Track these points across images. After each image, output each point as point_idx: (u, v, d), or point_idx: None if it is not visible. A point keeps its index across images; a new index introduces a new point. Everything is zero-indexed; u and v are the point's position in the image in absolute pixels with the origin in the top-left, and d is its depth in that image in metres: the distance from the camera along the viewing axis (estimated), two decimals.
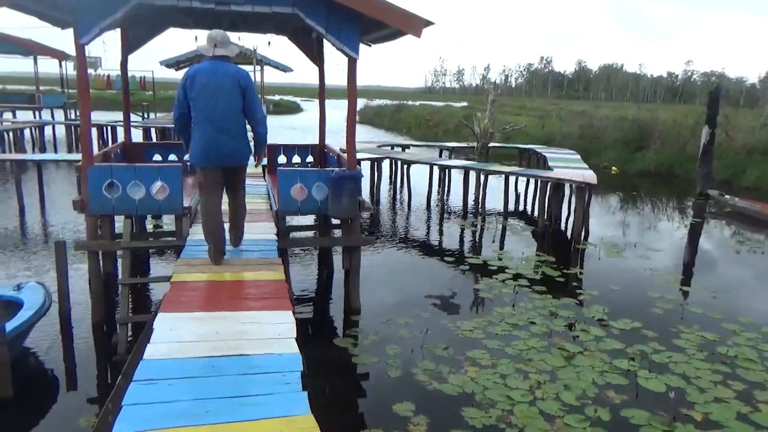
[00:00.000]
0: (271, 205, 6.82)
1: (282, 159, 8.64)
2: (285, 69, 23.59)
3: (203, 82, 4.43)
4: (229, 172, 4.79)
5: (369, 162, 12.76)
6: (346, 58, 5.94)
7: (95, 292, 5.73)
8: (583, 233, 9.92)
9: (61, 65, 25.31)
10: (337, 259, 7.68)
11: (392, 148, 15.99)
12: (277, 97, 64.70)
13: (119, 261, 6.09)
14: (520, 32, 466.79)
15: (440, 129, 31.25)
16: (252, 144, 4.89)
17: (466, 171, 12.10)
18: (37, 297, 5.25)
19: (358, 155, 13.20)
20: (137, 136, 21.13)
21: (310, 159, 8.71)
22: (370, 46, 7.20)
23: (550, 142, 22.94)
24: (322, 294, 7.28)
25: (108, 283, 6.16)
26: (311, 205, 6.14)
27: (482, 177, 11.75)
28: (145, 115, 25.05)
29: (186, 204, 5.84)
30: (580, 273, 8.28)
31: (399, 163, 13.58)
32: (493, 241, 10.15)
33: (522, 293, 7.26)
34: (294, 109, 56.57)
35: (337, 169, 6.07)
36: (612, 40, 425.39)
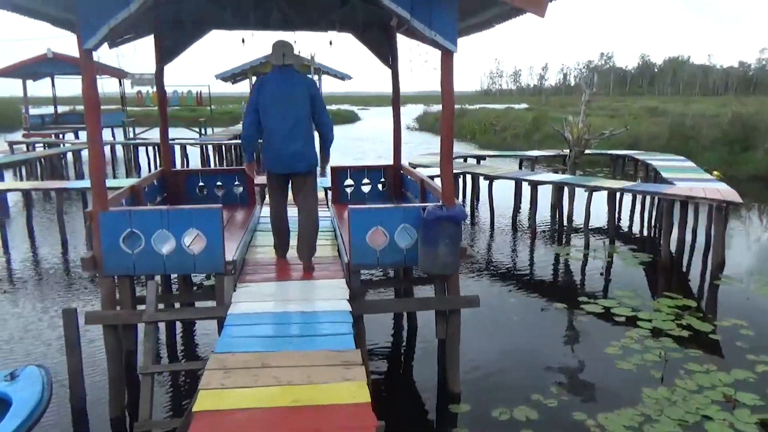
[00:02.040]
0: (339, 249, 5.27)
1: (349, 184, 7.10)
2: (344, 77, 22.33)
3: (273, 91, 4.56)
4: (297, 179, 4.81)
5: None
6: (438, 52, 4.33)
7: (113, 378, 4.32)
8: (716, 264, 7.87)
9: (120, 84, 25.04)
10: (423, 315, 6.06)
11: (465, 160, 14.26)
12: (334, 107, 64.11)
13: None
14: (578, 29, 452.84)
15: (508, 134, 29.12)
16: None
17: (561, 187, 10.21)
18: (32, 392, 3.87)
19: (428, 170, 11.56)
20: (194, 154, 20.39)
21: (382, 184, 7.13)
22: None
23: (636, 145, 20.55)
24: (402, 364, 5.65)
25: (131, 363, 4.76)
26: (394, 256, 4.54)
27: (585, 194, 9.79)
28: (203, 131, 24.39)
29: (229, 257, 4.37)
30: (743, 327, 6.26)
31: (479, 179, 11.82)
32: (602, 274, 8.27)
33: (673, 361, 5.37)
34: (351, 118, 55.57)
35: (428, 205, 4.44)
36: (677, 30, 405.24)
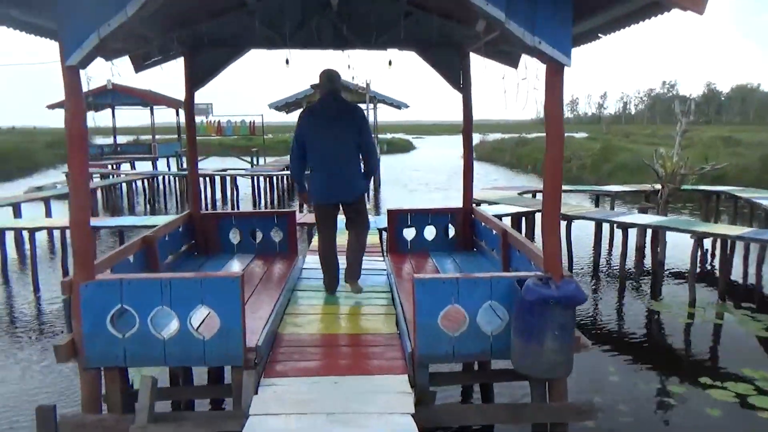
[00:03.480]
0: (397, 321, 4.06)
1: (409, 231, 5.91)
2: (400, 105, 21.43)
3: (320, 120, 4.47)
4: (347, 207, 4.74)
5: (521, 218, 9.72)
6: (543, 66, 3.12)
7: None
8: None
9: (177, 114, 25.07)
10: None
11: (534, 196, 12.83)
12: (389, 136, 63.69)
13: None
14: (638, 56, 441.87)
15: (573, 164, 27.32)
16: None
17: (655, 231, 8.65)
18: None
19: (495, 209, 10.24)
20: (245, 186, 19.84)
21: (450, 231, 5.91)
22: None
23: (722, 179, 18.49)
24: None
25: None
26: (476, 345, 3.27)
27: (687, 240, 8.20)
28: (255, 161, 23.95)
29: (252, 342, 3.23)
30: None
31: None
32: (716, 341, 6.70)
33: None
34: (406, 147, 54.82)
35: (526, 275, 3.19)
36: (745, 59, 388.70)
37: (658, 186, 10.25)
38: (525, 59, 5.37)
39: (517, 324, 3.05)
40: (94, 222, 9.73)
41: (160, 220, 9.26)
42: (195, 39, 5.16)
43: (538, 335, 2.91)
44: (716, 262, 9.61)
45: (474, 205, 5.93)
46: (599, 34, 3.44)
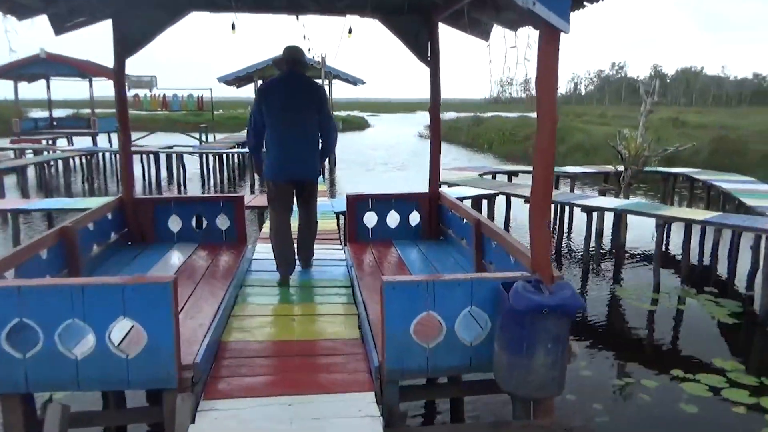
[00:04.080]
0: (360, 325, 3.59)
1: (371, 218, 5.41)
2: (356, 82, 20.74)
3: (279, 95, 4.33)
4: (301, 186, 4.59)
5: (482, 200, 9.35)
6: (534, 34, 2.66)
7: None
8: None
9: None
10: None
11: (493, 177, 12.53)
12: (343, 113, 62.62)
13: None
14: (589, 39, 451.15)
15: (529, 144, 27.34)
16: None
17: (619, 215, 8.45)
18: None
19: (457, 191, 9.86)
20: (193, 163, 18.79)
21: (415, 218, 5.43)
22: None
23: (674, 160, 18.77)
24: None
25: None
26: (455, 358, 2.83)
27: (652, 223, 8.04)
28: (204, 138, 22.82)
29: (188, 359, 2.69)
30: None
31: (515, 201, 10.06)
32: (679, 327, 6.58)
33: None
34: (361, 125, 53.98)
35: (515, 276, 2.76)
36: (689, 43, 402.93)
37: (621, 168, 10.09)
38: (498, 31, 4.95)
39: (503, 335, 2.61)
40: (20, 204, 8.80)
41: (97, 202, 8.45)
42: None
43: (528, 349, 2.49)
44: (672, 246, 9.60)
45: (440, 189, 5.47)
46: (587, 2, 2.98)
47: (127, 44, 4.68)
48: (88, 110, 28.78)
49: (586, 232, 8.57)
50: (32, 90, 26.31)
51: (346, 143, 30.47)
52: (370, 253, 4.99)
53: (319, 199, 5.14)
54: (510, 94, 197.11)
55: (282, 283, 4.46)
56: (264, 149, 4.49)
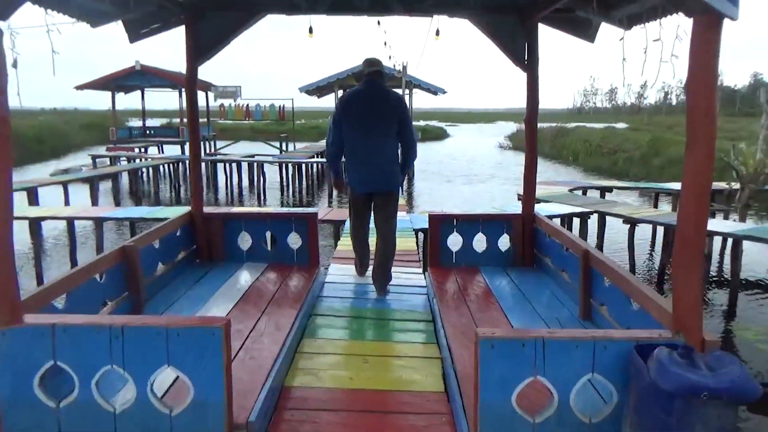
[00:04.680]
0: (444, 374, 3.05)
1: (455, 240, 4.84)
2: (437, 91, 20.24)
3: (359, 106, 4.28)
4: (379, 199, 4.44)
5: (573, 219, 8.55)
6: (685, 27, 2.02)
7: None
8: None
9: (207, 97, 24.39)
10: None
11: (584, 193, 11.58)
12: (422, 123, 62.32)
13: None
14: (681, 44, 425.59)
15: (619, 157, 25.66)
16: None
17: (738, 241, 7.36)
18: None
19: (545, 206, 9.08)
20: (273, 172, 18.96)
21: (505, 242, 4.81)
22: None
23: None
24: None
25: None
26: None
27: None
28: (284, 147, 23.10)
29: (241, 415, 2.26)
30: None
31: (609, 221, 9.12)
32: None
33: None
34: (440, 135, 53.39)
35: (653, 336, 2.12)
36: None
37: (736, 185, 8.92)
38: (604, 29, 4.27)
39: (639, 418, 1.98)
40: (99, 212, 8.95)
41: (174, 212, 8.42)
42: (196, 5, 4.19)
43: None
44: None
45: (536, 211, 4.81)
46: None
47: (200, 50, 4.42)
48: (178, 120, 30.13)
49: None
50: (129, 100, 27.84)
51: (424, 154, 30.00)
52: (453, 281, 4.43)
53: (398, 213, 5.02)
54: (594, 104, 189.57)
55: (360, 275, 4.69)
56: (344, 160, 4.44)
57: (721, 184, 12.01)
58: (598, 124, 55.07)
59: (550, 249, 4.39)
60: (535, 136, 4.58)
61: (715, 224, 7.71)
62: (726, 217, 10.01)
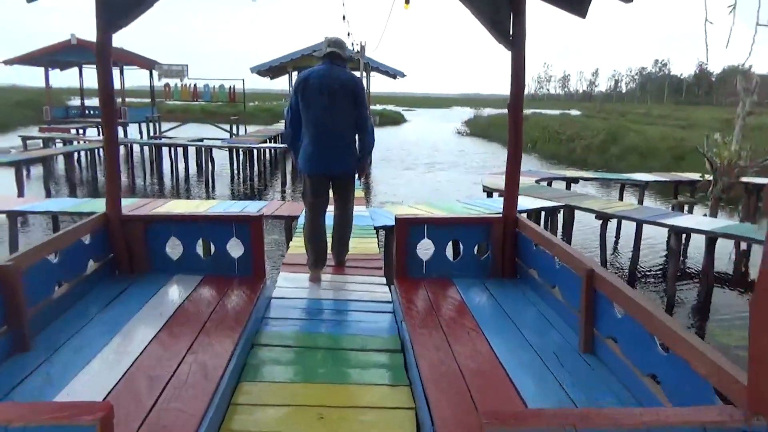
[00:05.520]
0: (419, 422, 2.39)
1: (425, 246, 4.16)
2: (396, 74, 19.47)
3: (315, 87, 4.18)
4: (336, 181, 4.49)
5: (540, 214, 8.02)
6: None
7: None
8: None
9: (151, 76, 22.86)
10: None
11: (549, 184, 11.12)
12: (379, 107, 61.46)
13: None
14: (631, 34, 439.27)
15: (577, 145, 25.63)
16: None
17: (713, 239, 6.99)
18: None
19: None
20: (222, 158, 17.81)
21: (483, 250, 4.16)
22: None
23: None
24: None
25: None
26: None
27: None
28: (234, 131, 21.90)
29: None
30: None
31: (578, 216, 8.66)
32: None
33: None
34: (397, 120, 52.68)
35: (715, 419, 1.50)
36: (738, 39, 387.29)
37: (709, 177, 8.59)
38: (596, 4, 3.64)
39: None
40: (11, 204, 7.85)
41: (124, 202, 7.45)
42: None
43: None
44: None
45: (520, 213, 4.17)
46: None
47: (113, 14, 3.55)
48: (128, 99, 28.27)
49: (674, 257, 7.14)
50: (72, 78, 25.88)
51: (384, 139, 29.28)
52: (424, 297, 3.75)
53: (355, 207, 4.91)
54: (548, 90, 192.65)
55: (312, 280, 4.35)
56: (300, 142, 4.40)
57: (688, 175, 11.82)
58: (552, 111, 55.56)
59: (537, 260, 3.77)
60: (520, 128, 3.92)
61: (703, 222, 7.26)
62: (690, 210, 9.72)
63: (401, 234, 4.01)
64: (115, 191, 3.85)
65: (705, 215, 8.77)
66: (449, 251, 4.21)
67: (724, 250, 8.33)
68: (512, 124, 3.92)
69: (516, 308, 3.56)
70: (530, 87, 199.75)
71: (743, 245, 8.11)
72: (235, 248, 4.07)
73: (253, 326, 3.34)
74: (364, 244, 5.59)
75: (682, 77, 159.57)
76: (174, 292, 3.72)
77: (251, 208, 7.52)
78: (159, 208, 7.29)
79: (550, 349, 2.98)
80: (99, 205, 7.37)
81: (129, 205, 7.42)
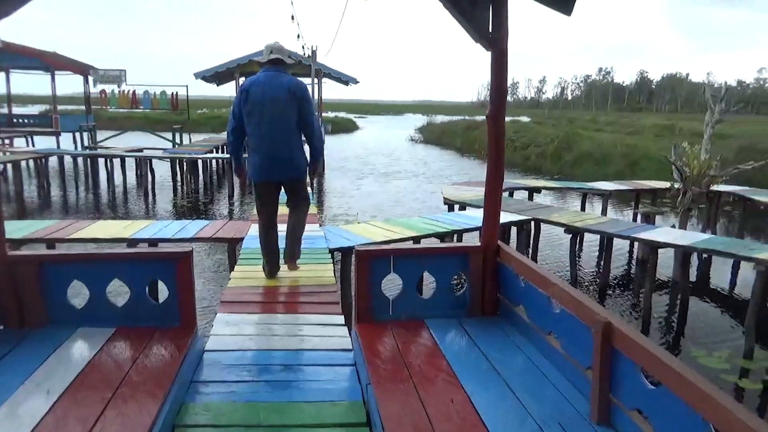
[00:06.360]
0: None
1: (392, 281, 3.49)
2: (348, 80, 18.83)
3: (258, 94, 4.28)
4: (287, 186, 4.61)
5: (505, 227, 7.51)
6: None
7: None
8: None
9: (87, 82, 21.40)
10: None
11: (511, 194, 10.68)
12: (331, 114, 60.70)
13: None
14: (577, 43, 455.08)
15: (531, 152, 25.61)
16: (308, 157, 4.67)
17: (687, 253, 6.62)
18: None
19: (473, 212, 8.03)
20: (163, 170, 16.61)
21: (459, 285, 3.53)
22: None
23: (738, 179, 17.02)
24: None
25: None
26: None
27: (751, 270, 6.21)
28: (177, 140, 20.70)
29: None
30: None
31: (548, 228, 8.20)
32: None
33: None
34: (350, 127, 52.00)
35: None
36: (675, 49, 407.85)
37: (677, 185, 8.30)
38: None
39: None
40: None
41: (40, 224, 6.45)
42: None
43: None
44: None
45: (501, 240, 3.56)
46: None
47: None
48: (64, 106, 26.46)
49: (649, 271, 6.72)
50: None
51: (334, 147, 28.56)
52: (393, 346, 3.08)
53: (308, 226, 5.03)
54: None
55: (270, 278, 4.53)
56: (246, 150, 4.44)
57: (648, 183, 11.64)
58: (505, 118, 55.99)
59: (524, 296, 3.17)
60: (502, 140, 3.31)
61: (673, 235, 6.87)
62: (651, 221, 9.42)
63: (362, 270, 3.32)
64: None
65: (673, 226, 8.47)
66: (422, 287, 3.56)
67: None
68: (493, 136, 3.30)
69: (501, 356, 2.95)
70: (479, 94, 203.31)
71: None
72: (160, 291, 3.30)
73: (177, 395, 2.59)
74: (318, 272, 4.88)
75: (624, 84, 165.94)
76: (77, 350, 2.93)
77: (190, 228, 6.67)
78: (78, 231, 6.34)
79: (550, 415, 2.38)
80: (32, 227, 6.39)
81: (43, 230, 6.44)
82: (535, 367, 2.85)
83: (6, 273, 3.03)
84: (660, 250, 6.66)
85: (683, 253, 6.71)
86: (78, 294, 3.22)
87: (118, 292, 3.45)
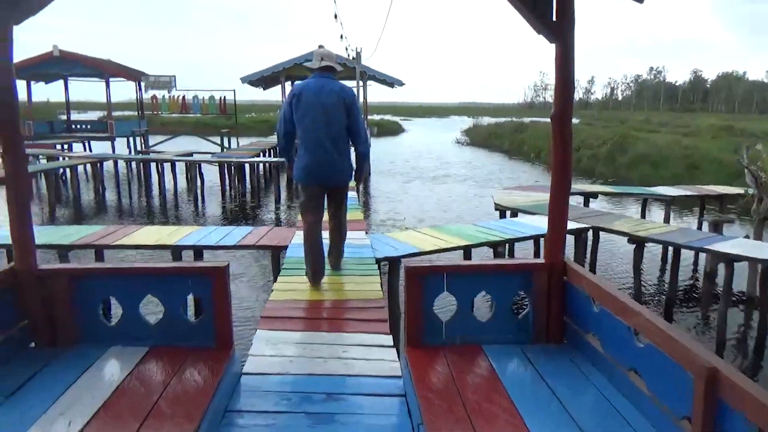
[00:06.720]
0: None
1: (446, 302, 3.17)
2: (394, 83, 18.57)
3: (309, 100, 4.40)
4: (331, 191, 4.72)
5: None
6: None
7: None
8: None
9: (139, 88, 21.95)
10: None
11: (586, 202, 10.13)
12: (377, 117, 60.74)
13: None
14: (624, 43, 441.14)
15: (583, 154, 24.67)
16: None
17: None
18: None
19: (526, 219, 7.58)
20: (212, 173, 16.77)
21: (522, 307, 3.17)
22: None
23: None
24: None
25: None
26: None
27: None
28: (226, 144, 20.93)
29: None
30: None
31: (608, 237, 7.66)
32: None
33: None
34: (396, 130, 51.80)
35: None
36: (730, 48, 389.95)
37: (751, 191, 7.63)
38: None
39: None
40: None
41: (88, 230, 6.47)
42: None
43: None
44: None
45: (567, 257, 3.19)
46: None
47: (15, 5, 2.58)
48: (119, 112, 27.27)
49: (724, 287, 6.12)
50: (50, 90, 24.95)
51: (380, 150, 28.36)
52: (447, 375, 2.76)
53: (353, 232, 5.32)
54: (544, 98, 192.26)
55: (314, 285, 4.49)
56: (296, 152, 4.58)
57: (715, 188, 10.85)
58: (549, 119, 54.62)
59: (597, 323, 2.78)
60: (569, 144, 2.94)
61: (750, 246, 6.23)
62: (719, 230, 8.68)
63: (412, 289, 3.01)
64: (26, 238, 2.85)
65: (747, 236, 7.79)
66: (479, 310, 3.21)
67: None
68: (558, 139, 2.93)
69: (571, 391, 2.58)
70: (527, 95, 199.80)
71: None
72: (193, 310, 3.08)
73: (209, 429, 2.36)
74: (364, 284, 4.61)
75: (677, 84, 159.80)
76: (107, 373, 2.73)
77: (234, 234, 6.54)
78: (124, 238, 6.29)
79: None
80: (55, 236, 6.39)
81: (89, 235, 6.42)
82: (611, 406, 2.47)
83: (36, 287, 2.87)
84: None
85: (764, 268, 6.09)
86: (112, 310, 3.03)
87: (151, 311, 3.25)
